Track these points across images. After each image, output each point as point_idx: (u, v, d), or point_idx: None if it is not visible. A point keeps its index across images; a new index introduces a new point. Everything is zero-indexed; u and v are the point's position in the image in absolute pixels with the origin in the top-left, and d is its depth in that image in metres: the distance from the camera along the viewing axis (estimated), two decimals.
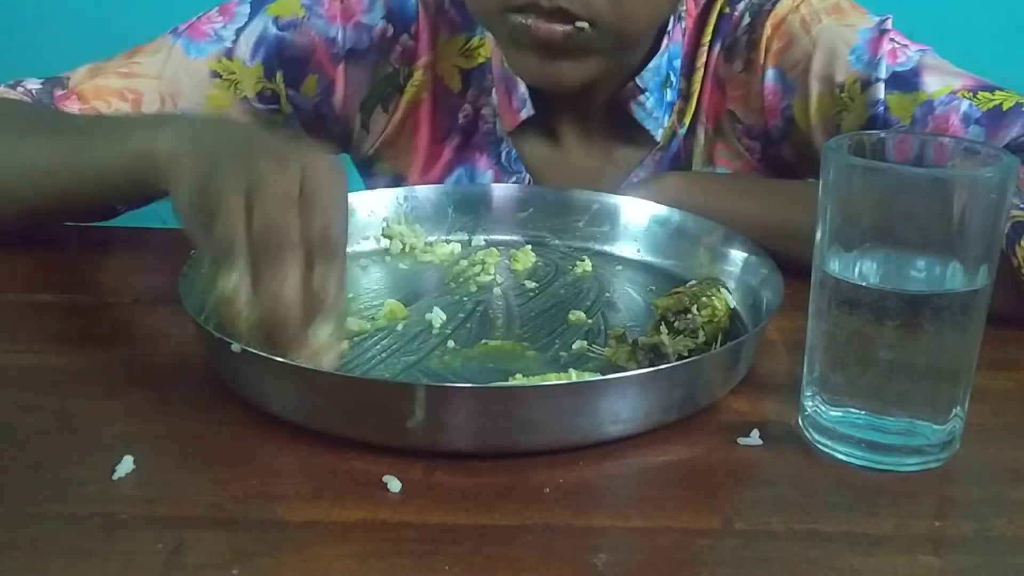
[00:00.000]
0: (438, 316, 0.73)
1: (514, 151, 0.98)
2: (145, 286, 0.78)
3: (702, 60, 0.95)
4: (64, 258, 0.85)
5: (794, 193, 0.87)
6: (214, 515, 0.53)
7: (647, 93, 0.94)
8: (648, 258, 0.84)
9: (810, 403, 0.60)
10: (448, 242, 0.86)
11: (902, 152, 0.60)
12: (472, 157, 0.99)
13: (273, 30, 0.95)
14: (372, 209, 0.86)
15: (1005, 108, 0.83)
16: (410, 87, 0.98)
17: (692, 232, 0.81)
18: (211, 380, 0.64)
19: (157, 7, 1.29)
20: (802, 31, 0.91)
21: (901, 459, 0.58)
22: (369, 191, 0.90)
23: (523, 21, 0.82)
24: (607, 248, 0.85)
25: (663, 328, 0.66)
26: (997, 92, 0.85)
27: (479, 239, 0.87)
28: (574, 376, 0.63)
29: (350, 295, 0.77)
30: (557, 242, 0.87)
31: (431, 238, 0.87)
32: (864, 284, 0.56)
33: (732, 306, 0.69)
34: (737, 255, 0.77)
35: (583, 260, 0.83)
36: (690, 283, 0.71)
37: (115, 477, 0.55)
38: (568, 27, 0.81)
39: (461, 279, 0.81)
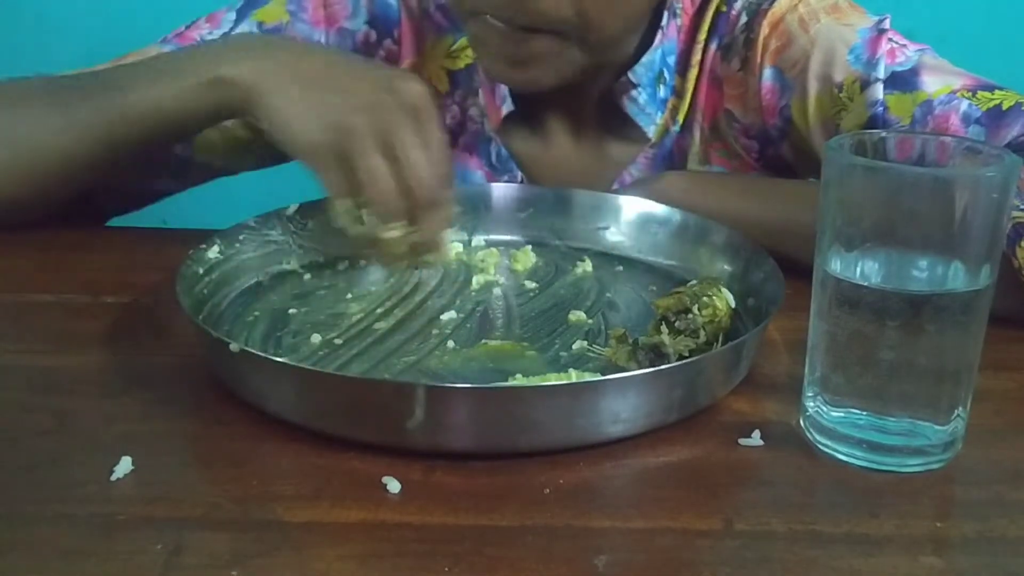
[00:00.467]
0: (449, 316, 0.74)
1: (504, 150, 0.97)
2: (144, 286, 0.78)
3: (697, 58, 0.95)
4: (63, 258, 0.85)
5: (794, 193, 0.86)
6: (213, 516, 0.53)
7: (640, 88, 0.93)
8: (649, 258, 0.83)
9: (811, 403, 0.60)
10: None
11: (903, 151, 0.60)
12: (462, 158, 0.99)
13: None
14: None
15: (1005, 107, 0.83)
16: None
17: (693, 232, 0.81)
18: (210, 380, 0.64)
19: (157, 7, 1.29)
20: (800, 30, 0.90)
21: (902, 460, 0.58)
22: None
23: (484, 28, 0.83)
24: (607, 248, 0.85)
25: (664, 328, 0.66)
26: (997, 91, 0.85)
27: (479, 239, 0.87)
28: (574, 376, 0.63)
29: (349, 296, 0.77)
30: (557, 242, 0.87)
31: None
32: (865, 284, 0.56)
33: (733, 306, 0.69)
34: (738, 255, 0.77)
35: (583, 260, 0.83)
36: (691, 283, 0.71)
37: (114, 478, 0.55)
38: (529, 37, 0.82)
39: (461, 279, 0.81)
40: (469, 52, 0.97)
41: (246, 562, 0.49)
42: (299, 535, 0.51)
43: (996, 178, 0.55)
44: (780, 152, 0.95)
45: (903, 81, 0.86)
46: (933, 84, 0.86)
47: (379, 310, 0.75)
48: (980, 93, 0.84)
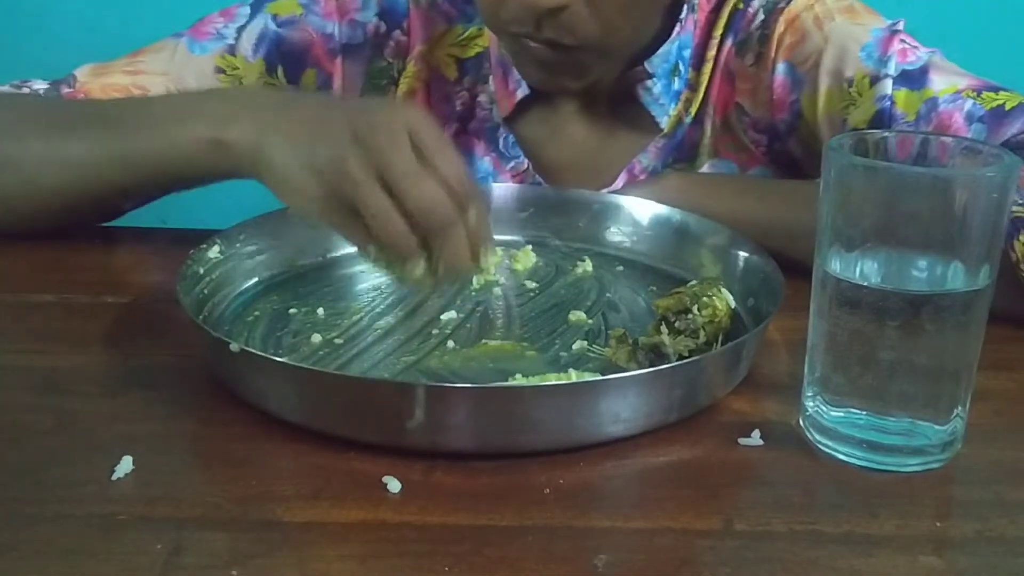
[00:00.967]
0: (449, 316, 0.74)
1: (511, 137, 0.98)
2: (144, 286, 0.78)
3: (712, 53, 0.96)
4: (63, 258, 0.85)
5: (794, 193, 0.87)
6: (213, 516, 0.53)
7: (655, 79, 0.94)
8: (649, 258, 0.83)
9: (811, 403, 0.60)
10: None
11: (903, 151, 0.60)
12: (469, 144, 1.00)
13: (273, 27, 0.97)
14: None
15: (1008, 107, 0.84)
16: (404, 79, 1.00)
17: (693, 232, 0.81)
18: (210, 380, 0.64)
19: (157, 7, 1.29)
20: (815, 28, 0.92)
21: (902, 459, 0.58)
22: None
23: (520, 40, 0.85)
24: (608, 248, 0.85)
25: (664, 328, 0.66)
26: (1001, 92, 0.86)
27: None
28: (574, 376, 0.63)
29: (349, 296, 0.77)
30: (558, 242, 0.87)
31: None
32: (865, 284, 0.56)
33: (733, 306, 0.69)
34: (738, 255, 0.77)
35: (584, 260, 0.83)
36: (691, 283, 0.71)
37: (114, 477, 0.55)
38: (560, 52, 0.84)
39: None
40: (479, 40, 0.99)
41: (246, 562, 0.49)
42: (299, 535, 0.51)
43: (996, 178, 0.55)
44: (787, 147, 0.96)
45: (912, 78, 0.87)
46: (940, 83, 0.87)
47: (379, 310, 0.75)
48: (985, 93, 0.86)
